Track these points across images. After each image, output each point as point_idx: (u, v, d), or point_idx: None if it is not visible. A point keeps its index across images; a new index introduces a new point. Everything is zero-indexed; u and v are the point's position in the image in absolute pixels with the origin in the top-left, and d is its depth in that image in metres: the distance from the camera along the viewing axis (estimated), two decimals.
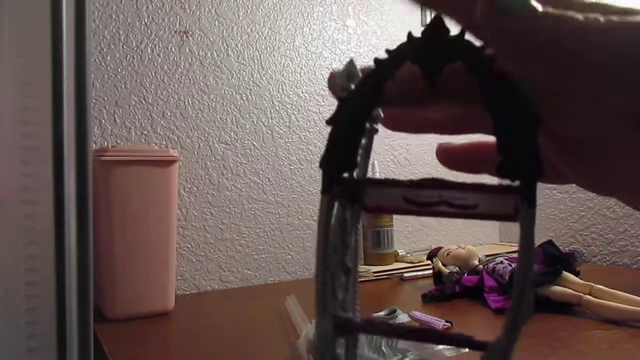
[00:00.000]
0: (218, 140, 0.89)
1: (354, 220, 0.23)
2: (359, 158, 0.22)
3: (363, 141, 0.22)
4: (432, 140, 1.12)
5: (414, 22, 1.08)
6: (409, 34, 0.21)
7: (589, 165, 0.19)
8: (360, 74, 0.23)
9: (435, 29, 0.21)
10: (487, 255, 0.75)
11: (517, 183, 0.19)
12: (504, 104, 0.19)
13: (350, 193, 0.23)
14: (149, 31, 0.84)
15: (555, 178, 0.21)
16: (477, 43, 0.20)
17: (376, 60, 0.22)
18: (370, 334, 0.22)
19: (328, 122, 0.22)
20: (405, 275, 0.86)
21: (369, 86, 0.22)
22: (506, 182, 0.19)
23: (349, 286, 0.22)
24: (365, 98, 0.22)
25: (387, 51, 0.22)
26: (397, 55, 0.22)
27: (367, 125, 0.23)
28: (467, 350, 0.40)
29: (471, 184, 0.20)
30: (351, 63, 0.23)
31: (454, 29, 0.21)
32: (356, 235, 0.23)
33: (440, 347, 0.46)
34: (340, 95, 0.23)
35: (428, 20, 1.19)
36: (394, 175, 1.05)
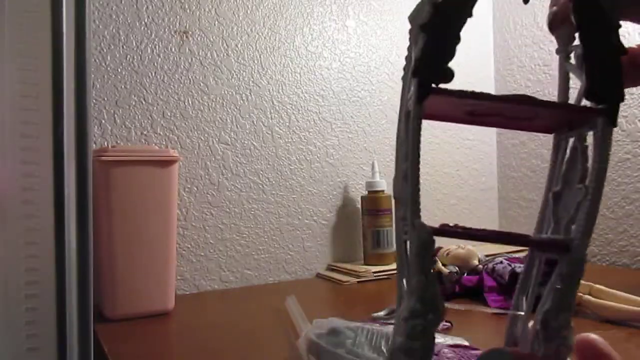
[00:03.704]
0: (218, 140, 0.89)
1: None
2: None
3: None
4: (431, 140, 1.12)
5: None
6: None
7: None
8: None
9: None
10: (486, 255, 0.75)
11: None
12: (594, 33, 0.21)
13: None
14: (149, 31, 0.84)
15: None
16: None
17: None
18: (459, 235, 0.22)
19: (422, 28, 0.21)
20: None
21: None
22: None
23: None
24: (461, 4, 0.21)
25: None
26: None
27: None
28: (465, 350, 0.39)
29: (558, 102, 0.22)
30: None
31: None
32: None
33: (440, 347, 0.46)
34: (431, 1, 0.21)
35: None
36: (393, 175, 1.05)
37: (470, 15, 0.21)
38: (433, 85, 0.20)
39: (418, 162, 0.21)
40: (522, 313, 0.25)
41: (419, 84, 0.21)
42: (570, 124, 0.23)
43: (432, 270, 0.20)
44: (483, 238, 0.22)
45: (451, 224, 0.22)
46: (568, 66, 0.25)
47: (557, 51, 0.26)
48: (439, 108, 0.23)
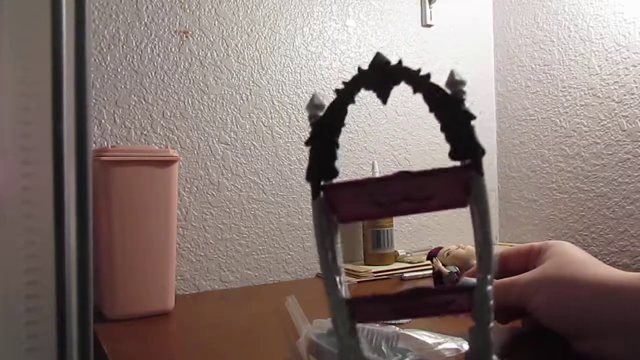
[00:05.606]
0: (218, 140, 0.89)
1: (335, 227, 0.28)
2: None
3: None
4: (431, 140, 1.12)
5: (414, 21, 1.08)
6: (359, 68, 0.27)
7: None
8: (324, 104, 0.28)
9: (378, 61, 0.27)
10: None
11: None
12: (444, 107, 0.26)
13: (329, 201, 0.27)
14: (149, 31, 0.84)
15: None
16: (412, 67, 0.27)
17: (337, 91, 0.27)
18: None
19: (307, 143, 0.27)
20: (405, 275, 0.86)
21: (336, 111, 0.27)
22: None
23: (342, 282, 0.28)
24: (334, 120, 0.27)
25: (344, 83, 0.27)
26: (353, 84, 0.27)
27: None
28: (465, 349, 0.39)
29: (432, 170, 0.25)
30: (315, 97, 0.28)
31: (392, 59, 0.27)
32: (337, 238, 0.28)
33: (440, 347, 0.46)
34: (311, 122, 0.28)
35: (428, 19, 1.19)
36: None
37: (343, 125, 0.27)
38: (322, 182, 0.26)
39: (326, 248, 0.27)
40: None
41: (312, 184, 0.26)
42: (467, 190, 0.26)
43: (355, 333, 0.26)
44: (397, 300, 0.27)
45: (368, 295, 0.26)
46: None
47: None
48: (347, 206, 0.28)
